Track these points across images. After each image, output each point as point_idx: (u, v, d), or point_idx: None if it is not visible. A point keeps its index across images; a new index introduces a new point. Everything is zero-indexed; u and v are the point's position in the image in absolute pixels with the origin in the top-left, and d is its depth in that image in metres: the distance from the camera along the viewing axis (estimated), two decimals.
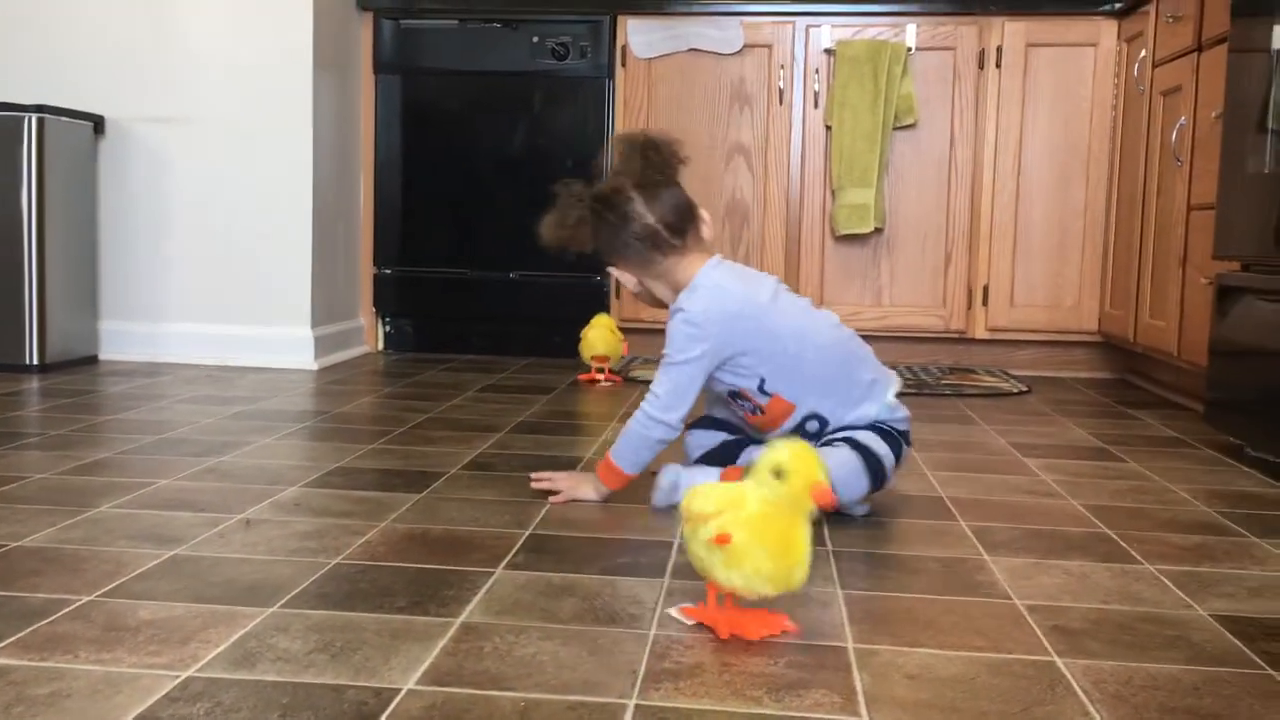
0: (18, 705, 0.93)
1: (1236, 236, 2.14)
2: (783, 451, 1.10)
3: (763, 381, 1.63)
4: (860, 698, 1.00)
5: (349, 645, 1.09)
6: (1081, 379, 3.23)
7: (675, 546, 1.45)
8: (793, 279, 3.33)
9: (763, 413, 1.66)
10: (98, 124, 3.07)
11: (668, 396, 1.62)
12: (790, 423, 1.65)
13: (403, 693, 0.98)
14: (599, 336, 2.96)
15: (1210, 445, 2.22)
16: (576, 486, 1.68)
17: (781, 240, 3.33)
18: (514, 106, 3.40)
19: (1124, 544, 1.51)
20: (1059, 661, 1.09)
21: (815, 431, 1.65)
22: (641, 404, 1.65)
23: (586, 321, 3.38)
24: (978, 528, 1.58)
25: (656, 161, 1.65)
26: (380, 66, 3.42)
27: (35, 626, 1.10)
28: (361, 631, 1.12)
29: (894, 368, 1.96)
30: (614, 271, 1.71)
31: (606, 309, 3.40)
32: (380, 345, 3.54)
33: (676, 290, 1.66)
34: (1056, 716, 0.97)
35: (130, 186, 3.12)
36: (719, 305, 1.61)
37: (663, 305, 1.71)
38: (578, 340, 3.01)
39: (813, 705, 0.98)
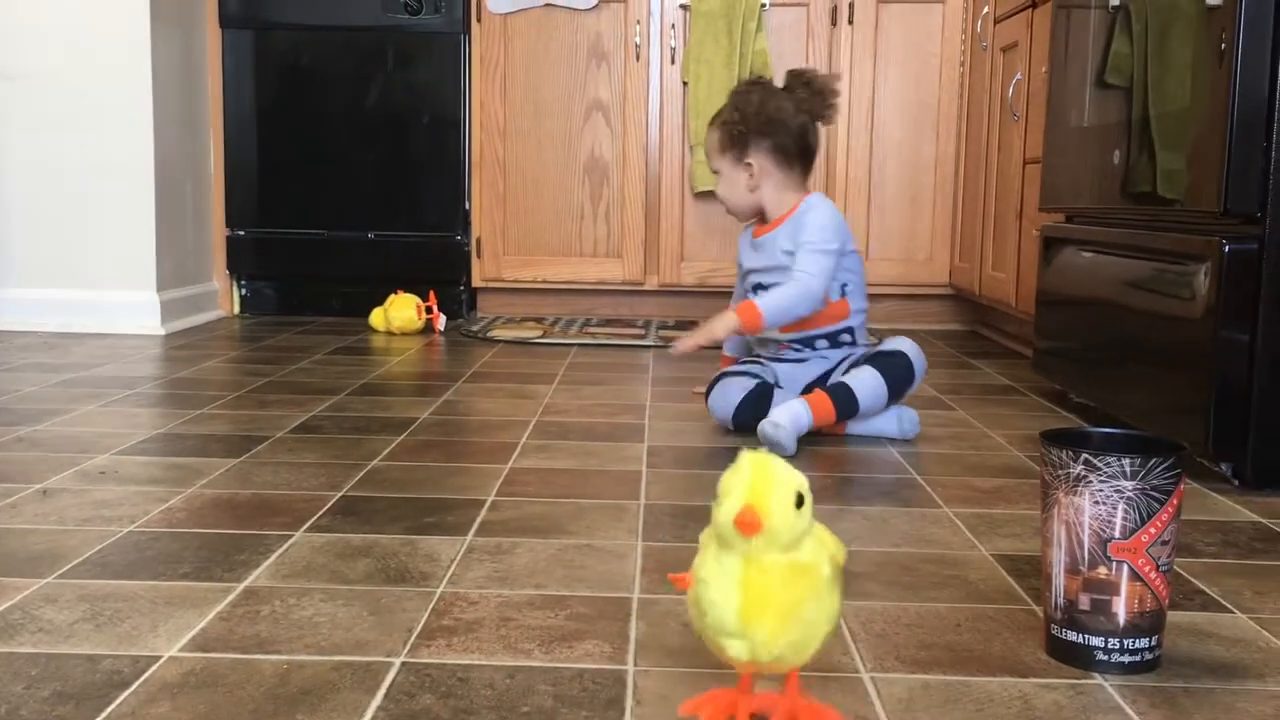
0: None
1: (1060, 189, 2.20)
2: (736, 468, 0.81)
3: (845, 286, 1.90)
4: (631, 646, 1.01)
5: (118, 614, 1.06)
6: (934, 330, 3.30)
7: (487, 504, 1.44)
8: (653, 235, 3.34)
9: (824, 305, 1.87)
10: None
11: (821, 274, 1.83)
12: (834, 327, 1.92)
13: (162, 660, 0.96)
14: (399, 313, 3.04)
15: (1038, 392, 2.29)
16: (710, 329, 1.84)
17: (641, 197, 3.33)
18: (368, 62, 3.32)
19: (929, 489, 1.55)
20: None
21: (848, 341, 1.93)
22: (797, 279, 1.83)
23: (449, 279, 3.36)
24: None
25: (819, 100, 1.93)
26: (227, 21, 3.31)
27: None
28: (135, 600, 1.10)
29: None
30: (726, 172, 1.93)
31: (467, 267, 3.37)
32: (236, 309, 3.45)
33: (769, 204, 1.93)
34: (817, 658, 0.99)
35: None
36: (837, 213, 1.91)
37: (747, 217, 1.97)
38: (423, 302, 3.05)
39: (581, 655, 0.99)
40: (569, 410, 2.05)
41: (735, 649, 0.81)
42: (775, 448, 1.71)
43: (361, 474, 1.58)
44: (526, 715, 0.88)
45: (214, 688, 0.92)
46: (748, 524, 0.78)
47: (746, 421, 1.84)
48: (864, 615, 1.09)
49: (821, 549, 0.83)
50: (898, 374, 1.83)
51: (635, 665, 0.97)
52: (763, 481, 0.80)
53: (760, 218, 1.95)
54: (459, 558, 1.24)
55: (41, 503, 1.41)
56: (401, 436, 1.82)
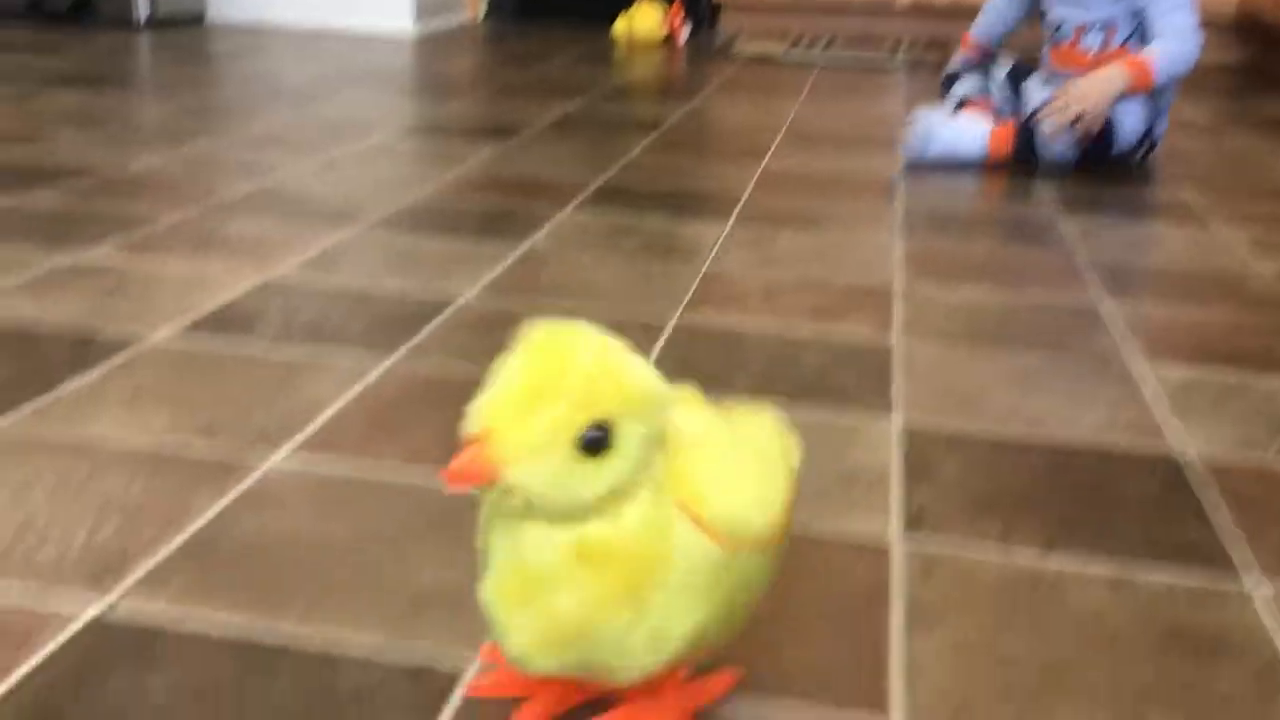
0: (117, 291, 1.03)
1: None
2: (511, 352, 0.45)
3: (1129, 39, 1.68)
4: (895, 324, 1.03)
5: (417, 262, 1.16)
6: (1214, 63, 3.03)
7: (743, 198, 1.47)
8: None
9: (1097, 52, 1.69)
10: None
11: (1197, 33, 1.66)
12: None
13: (460, 301, 1.05)
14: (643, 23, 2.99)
15: None
16: (1101, 91, 1.61)
17: None
18: None
19: (1205, 209, 1.47)
20: (1104, 304, 1.10)
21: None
22: (1181, 35, 1.63)
23: None
24: (1062, 193, 1.55)
25: None
26: None
27: (134, 235, 1.20)
28: (430, 252, 1.19)
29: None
30: None
31: None
32: (481, 14, 3.49)
33: None
34: (1087, 345, 0.99)
35: None
36: None
37: None
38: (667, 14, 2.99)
39: (847, 330, 1.02)
40: (818, 120, 2.03)
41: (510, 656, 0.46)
42: (910, 142, 1.65)
43: (619, 165, 1.63)
44: (798, 372, 0.92)
45: (509, 326, 1.00)
46: (459, 471, 0.42)
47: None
48: (1134, 316, 1.07)
49: (666, 516, 0.45)
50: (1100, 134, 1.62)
51: (901, 341, 1.00)
52: (522, 389, 0.42)
53: None
54: (721, 241, 1.28)
55: (332, 170, 1.52)
56: (653, 135, 1.85)
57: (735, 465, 0.47)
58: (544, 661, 0.45)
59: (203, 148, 1.61)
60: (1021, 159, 1.64)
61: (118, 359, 0.88)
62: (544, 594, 0.44)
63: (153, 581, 0.60)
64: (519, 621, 0.44)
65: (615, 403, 0.42)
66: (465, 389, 0.46)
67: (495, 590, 0.45)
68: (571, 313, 1.01)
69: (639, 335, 0.98)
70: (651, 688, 0.50)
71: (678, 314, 1.04)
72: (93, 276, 1.06)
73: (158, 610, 0.57)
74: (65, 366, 0.86)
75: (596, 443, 0.42)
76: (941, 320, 1.05)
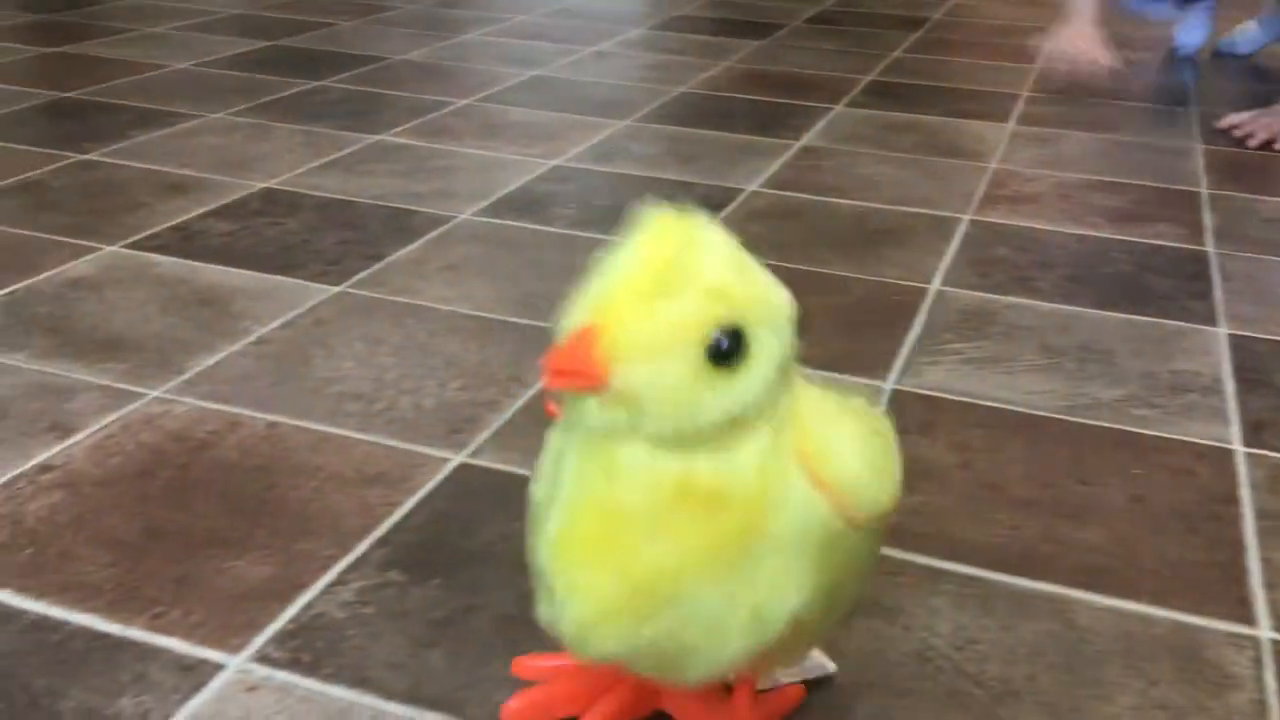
0: (419, 172, 1.07)
1: None
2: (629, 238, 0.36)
3: None
4: (1208, 233, 0.98)
5: (696, 154, 1.16)
6: None
7: (1022, 97, 1.41)
8: None
9: None
10: None
11: None
12: None
13: (745, 193, 1.05)
14: None
15: None
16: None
17: None
18: None
19: None
20: None
21: None
22: None
23: None
24: None
25: None
26: None
27: (425, 119, 1.24)
28: (708, 145, 1.19)
29: None
30: None
31: None
32: None
33: None
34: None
35: None
36: None
37: None
38: None
39: (1155, 234, 0.97)
40: None
41: (552, 621, 0.38)
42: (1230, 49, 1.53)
43: (885, 62, 1.58)
44: (1107, 275, 0.89)
45: (799, 218, 0.99)
46: (561, 370, 0.34)
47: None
48: None
49: (784, 465, 0.36)
50: None
51: (1215, 248, 0.94)
52: (643, 276, 0.34)
53: None
54: (1006, 140, 1.23)
55: (598, 62, 1.54)
56: (918, 33, 1.78)
57: (854, 429, 0.38)
58: (612, 636, 0.36)
59: (473, 38, 1.65)
60: None
61: (433, 233, 0.92)
62: (631, 538, 0.35)
63: (503, 437, 0.63)
64: (590, 577, 0.35)
65: (750, 305, 0.34)
66: None
67: (564, 533, 0.36)
68: (859, 211, 1.01)
69: (933, 232, 0.96)
70: (719, 699, 0.42)
71: (970, 212, 1.01)
72: (395, 157, 1.11)
73: (513, 464, 0.61)
74: (388, 238, 0.91)
75: (729, 350, 0.33)
76: (1256, 230, 0.98)
